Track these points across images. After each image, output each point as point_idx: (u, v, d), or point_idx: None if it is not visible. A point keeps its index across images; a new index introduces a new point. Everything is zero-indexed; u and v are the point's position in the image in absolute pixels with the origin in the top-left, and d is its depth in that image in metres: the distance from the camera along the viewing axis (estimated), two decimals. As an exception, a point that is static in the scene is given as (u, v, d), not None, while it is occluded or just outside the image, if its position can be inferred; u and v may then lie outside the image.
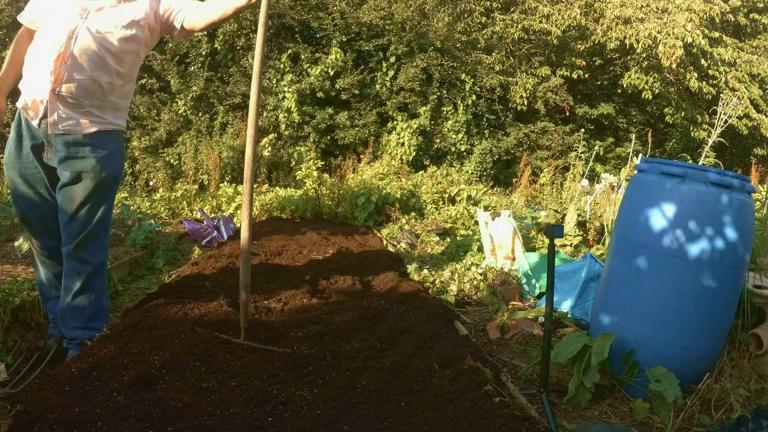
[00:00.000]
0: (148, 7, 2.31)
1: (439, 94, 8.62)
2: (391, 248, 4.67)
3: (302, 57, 8.15)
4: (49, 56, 2.14)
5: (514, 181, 8.62)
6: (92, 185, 2.27)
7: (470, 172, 8.89)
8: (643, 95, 9.45)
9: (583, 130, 9.45)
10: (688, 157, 9.62)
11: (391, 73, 8.54)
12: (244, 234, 2.36)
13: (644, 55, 9.04)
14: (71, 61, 2.14)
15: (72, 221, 2.28)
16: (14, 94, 2.37)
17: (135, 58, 2.33)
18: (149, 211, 5.57)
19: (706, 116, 9.94)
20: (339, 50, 8.07)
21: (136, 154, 7.20)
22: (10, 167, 2.28)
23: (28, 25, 2.33)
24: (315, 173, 6.03)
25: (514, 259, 4.02)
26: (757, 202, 5.76)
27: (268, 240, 4.44)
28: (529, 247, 4.32)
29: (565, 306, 3.18)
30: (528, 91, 9.38)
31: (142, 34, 2.29)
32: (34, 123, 2.20)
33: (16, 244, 3.52)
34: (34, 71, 2.20)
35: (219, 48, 7.86)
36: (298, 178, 6.50)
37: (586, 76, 10.24)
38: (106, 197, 2.35)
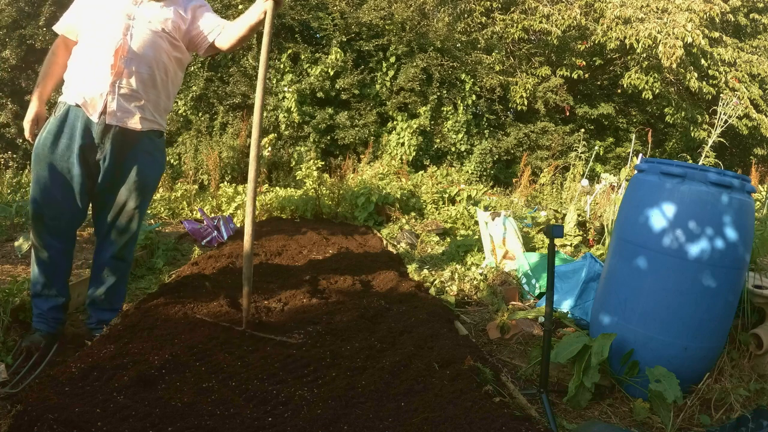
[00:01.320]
0: (182, 17, 2.41)
1: (439, 94, 8.62)
2: (391, 248, 4.67)
3: (302, 57, 8.15)
4: (106, 52, 2.22)
5: (514, 181, 8.62)
6: (134, 189, 2.38)
7: (470, 172, 8.89)
8: (643, 95, 9.45)
9: (583, 130, 9.46)
10: (688, 157, 9.63)
11: (391, 73, 8.54)
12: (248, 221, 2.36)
13: (644, 55, 9.05)
14: (130, 55, 2.24)
15: (114, 224, 2.41)
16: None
17: (178, 62, 2.45)
18: (149, 211, 5.57)
19: (706, 116, 9.94)
20: (339, 50, 8.07)
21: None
22: (41, 159, 2.28)
23: (65, 34, 2.39)
24: (315, 173, 6.03)
25: (513, 259, 4.02)
26: (757, 202, 5.76)
27: (268, 240, 4.43)
28: (529, 247, 4.32)
29: (565, 306, 3.18)
30: (528, 91, 9.38)
31: (180, 37, 2.41)
32: (94, 118, 2.24)
33: (16, 244, 3.53)
34: (91, 68, 2.25)
35: (219, 48, 7.87)
36: (298, 178, 6.50)
37: (586, 76, 10.24)
38: (147, 200, 2.51)
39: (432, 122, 8.75)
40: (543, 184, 8.18)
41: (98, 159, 2.31)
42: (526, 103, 9.36)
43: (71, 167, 2.27)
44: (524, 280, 3.66)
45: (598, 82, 11.13)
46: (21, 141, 7.29)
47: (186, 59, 2.52)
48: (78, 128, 2.25)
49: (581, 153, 8.48)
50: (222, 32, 2.46)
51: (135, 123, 2.31)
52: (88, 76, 2.25)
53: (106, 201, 2.40)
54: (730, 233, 2.15)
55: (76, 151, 2.25)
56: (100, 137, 2.27)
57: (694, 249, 2.15)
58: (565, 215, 5.01)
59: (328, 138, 8.35)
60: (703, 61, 9.40)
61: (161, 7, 2.33)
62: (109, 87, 2.22)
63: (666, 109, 10.06)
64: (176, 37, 2.38)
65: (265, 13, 2.32)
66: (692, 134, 10.07)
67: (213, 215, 5.60)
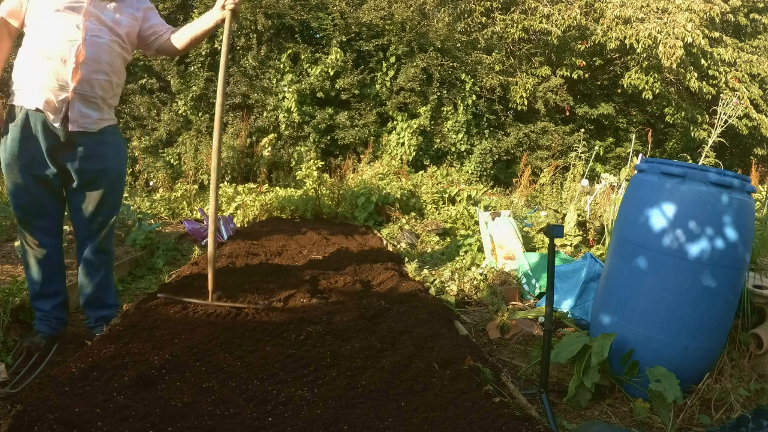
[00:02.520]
0: (134, 18, 2.44)
1: (439, 94, 8.62)
2: (391, 248, 4.67)
3: (302, 57, 8.15)
4: (65, 56, 2.20)
5: (514, 181, 8.62)
6: (110, 181, 2.44)
7: (470, 172, 8.89)
8: (643, 95, 9.45)
9: (583, 130, 9.46)
10: (688, 157, 9.63)
11: (391, 73, 8.54)
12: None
13: (644, 55, 9.05)
14: (90, 59, 2.25)
15: (94, 218, 2.44)
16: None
17: (125, 62, 2.50)
18: (149, 211, 5.57)
19: (706, 116, 9.95)
20: (339, 50, 8.07)
21: (136, 154, 7.20)
22: (13, 167, 2.27)
23: (7, 18, 2.28)
24: (315, 173, 6.03)
25: (513, 259, 4.02)
26: (757, 202, 5.76)
27: (268, 240, 4.44)
28: (529, 247, 4.32)
29: (565, 306, 3.18)
30: (528, 91, 9.38)
31: (129, 40, 2.45)
32: (56, 124, 2.24)
33: (16, 244, 3.53)
34: (49, 72, 2.21)
35: (219, 48, 7.86)
36: (298, 178, 6.50)
37: (586, 76, 10.24)
38: (121, 189, 2.56)
39: (432, 122, 8.75)
40: (543, 184, 8.19)
41: (65, 158, 2.31)
42: (526, 103, 9.36)
43: (45, 168, 2.28)
44: (524, 280, 3.66)
45: (598, 82, 11.13)
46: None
47: (130, 59, 2.55)
48: (40, 131, 2.24)
49: (581, 153, 8.48)
50: (175, 32, 2.53)
51: (95, 125, 2.34)
52: (45, 80, 2.21)
53: (81, 198, 2.40)
54: (730, 233, 2.15)
55: (44, 153, 2.26)
56: (65, 139, 2.28)
57: (694, 249, 2.15)
58: (565, 215, 5.01)
59: (328, 138, 8.35)
60: (703, 61, 9.40)
61: (113, 8, 2.33)
62: (70, 93, 2.23)
63: (666, 109, 10.06)
64: (127, 41, 2.41)
65: (223, 21, 2.48)
66: (692, 134, 10.07)
67: (213, 215, 5.59)
